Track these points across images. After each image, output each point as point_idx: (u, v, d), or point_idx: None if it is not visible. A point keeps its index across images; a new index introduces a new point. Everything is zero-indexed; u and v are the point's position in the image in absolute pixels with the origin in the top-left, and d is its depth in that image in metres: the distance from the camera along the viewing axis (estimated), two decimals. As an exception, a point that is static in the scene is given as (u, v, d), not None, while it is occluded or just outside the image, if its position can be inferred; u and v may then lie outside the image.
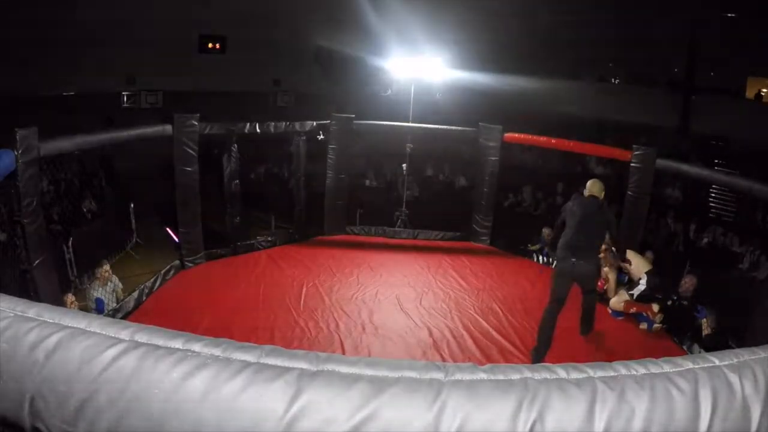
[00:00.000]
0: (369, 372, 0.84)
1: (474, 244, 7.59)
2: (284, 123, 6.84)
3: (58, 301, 4.41)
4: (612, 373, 0.87)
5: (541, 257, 7.14)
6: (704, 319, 5.14)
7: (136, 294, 5.37)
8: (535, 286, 6.21)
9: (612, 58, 15.69)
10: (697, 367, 0.90)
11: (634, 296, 5.45)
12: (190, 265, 6.22)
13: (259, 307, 5.33)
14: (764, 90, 14.31)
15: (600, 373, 0.87)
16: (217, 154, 6.74)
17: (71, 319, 0.94)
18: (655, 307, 5.40)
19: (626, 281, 5.82)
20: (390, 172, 10.33)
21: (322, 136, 7.18)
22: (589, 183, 4.73)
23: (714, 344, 4.62)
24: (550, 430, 0.79)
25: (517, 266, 6.91)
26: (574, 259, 4.45)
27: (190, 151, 5.95)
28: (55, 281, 4.46)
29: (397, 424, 0.79)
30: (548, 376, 0.86)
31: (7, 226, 4.15)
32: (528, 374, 0.86)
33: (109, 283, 5.48)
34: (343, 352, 4.55)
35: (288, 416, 0.79)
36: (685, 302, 5.47)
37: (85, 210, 8.27)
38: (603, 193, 4.66)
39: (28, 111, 6.92)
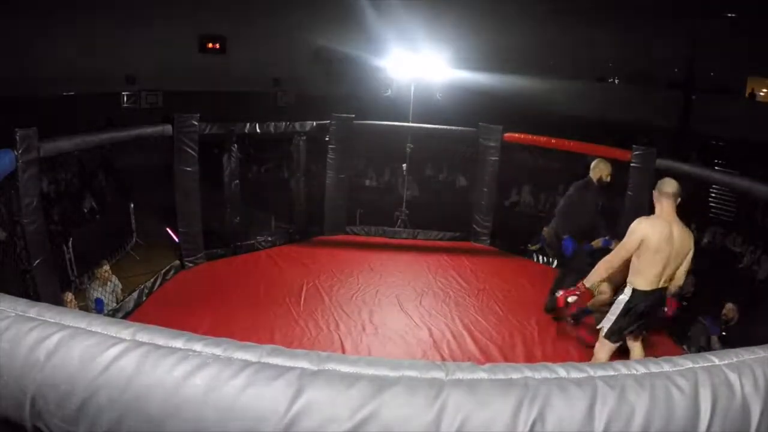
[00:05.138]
0: (369, 371, 0.85)
1: (474, 244, 7.59)
2: (284, 123, 6.84)
3: (59, 301, 4.40)
4: (612, 373, 0.87)
5: (541, 257, 7.13)
6: (715, 336, 4.95)
7: (136, 294, 5.37)
8: (535, 286, 6.21)
9: (612, 58, 15.69)
10: (696, 366, 0.90)
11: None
12: (190, 265, 6.22)
13: (259, 307, 5.33)
14: (764, 90, 14.33)
15: (600, 373, 0.87)
16: (217, 154, 6.74)
17: (72, 318, 0.94)
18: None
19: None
20: (390, 172, 10.32)
21: (327, 138, 7.22)
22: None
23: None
24: (551, 429, 0.79)
25: (517, 266, 6.90)
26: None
27: (190, 151, 5.95)
28: (55, 281, 4.46)
29: (398, 423, 0.79)
30: (548, 376, 0.86)
31: (7, 226, 4.14)
32: (528, 373, 0.86)
33: (109, 283, 5.48)
34: (343, 352, 4.55)
35: (289, 415, 0.79)
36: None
37: (85, 210, 8.28)
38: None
39: (28, 111, 6.92)
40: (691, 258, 3.46)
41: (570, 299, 3.98)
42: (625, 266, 4.72)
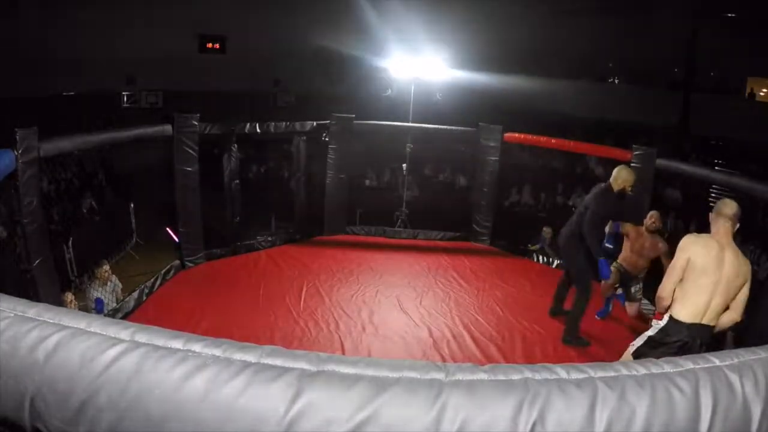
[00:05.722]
0: (369, 372, 0.84)
1: (474, 244, 7.58)
2: (284, 123, 6.84)
3: (58, 301, 4.40)
4: (612, 374, 0.87)
5: (541, 257, 7.13)
6: None
7: (136, 294, 5.36)
8: (535, 286, 6.21)
9: (612, 58, 15.71)
10: (697, 367, 0.90)
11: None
12: (190, 265, 6.21)
13: (259, 307, 5.32)
14: (764, 90, 14.36)
15: (600, 374, 0.87)
16: (217, 154, 6.74)
17: (71, 319, 0.94)
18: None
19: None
20: (390, 172, 10.33)
21: (327, 138, 7.22)
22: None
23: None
24: (551, 430, 0.79)
25: (517, 266, 6.90)
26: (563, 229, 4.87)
27: (190, 151, 5.95)
28: (55, 281, 4.46)
29: (398, 425, 0.79)
30: (549, 377, 0.86)
31: (7, 226, 4.15)
32: (528, 374, 0.86)
33: (109, 283, 5.48)
34: (343, 352, 4.55)
35: (288, 417, 0.79)
36: (731, 332, 5.34)
37: (85, 210, 8.28)
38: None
39: (29, 111, 6.92)
40: (748, 290, 2.99)
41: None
42: (647, 253, 5.02)
